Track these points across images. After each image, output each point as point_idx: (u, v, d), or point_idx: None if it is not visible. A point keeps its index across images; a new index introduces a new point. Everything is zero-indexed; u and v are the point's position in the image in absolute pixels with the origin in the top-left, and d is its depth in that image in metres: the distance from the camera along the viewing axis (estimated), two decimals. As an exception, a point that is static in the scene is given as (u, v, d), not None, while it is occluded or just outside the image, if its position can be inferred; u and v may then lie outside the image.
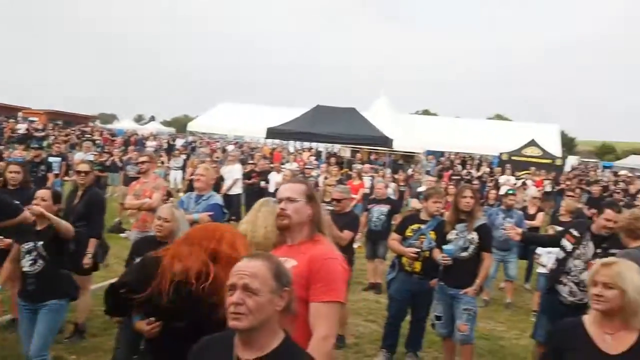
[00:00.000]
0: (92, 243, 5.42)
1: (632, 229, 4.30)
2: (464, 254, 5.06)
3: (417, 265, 5.37)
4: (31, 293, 4.13)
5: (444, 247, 5.01)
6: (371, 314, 7.13)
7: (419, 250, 5.31)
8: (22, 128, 28.08)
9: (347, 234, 5.80)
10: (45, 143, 21.24)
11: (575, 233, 4.88)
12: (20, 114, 39.23)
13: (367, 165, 15.22)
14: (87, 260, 5.37)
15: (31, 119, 36.06)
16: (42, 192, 4.32)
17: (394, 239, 5.61)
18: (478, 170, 22.55)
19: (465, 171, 21.76)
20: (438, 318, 5.25)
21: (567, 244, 4.88)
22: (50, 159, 12.52)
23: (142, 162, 6.87)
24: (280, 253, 2.57)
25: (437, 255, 5.13)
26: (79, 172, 5.73)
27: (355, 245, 6.45)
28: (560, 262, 4.89)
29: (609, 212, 4.62)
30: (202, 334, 2.15)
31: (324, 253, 2.53)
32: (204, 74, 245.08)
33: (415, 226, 5.48)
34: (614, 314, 2.46)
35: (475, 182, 15.05)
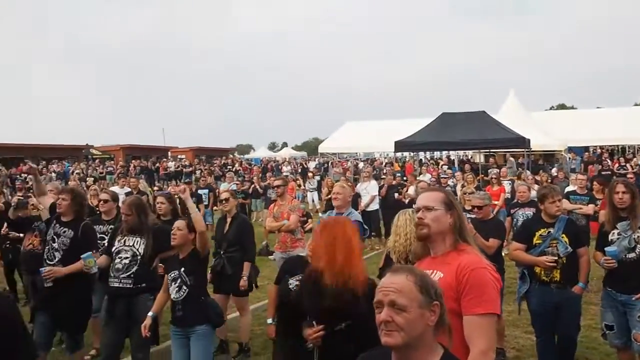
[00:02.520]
0: (247, 266, 5.74)
1: None
2: (632, 255, 4.56)
3: (557, 274, 4.82)
4: (180, 319, 4.33)
5: (607, 249, 4.56)
6: (530, 324, 6.69)
7: (555, 257, 4.81)
8: (172, 166, 30.62)
9: (493, 241, 5.55)
10: (193, 177, 23.10)
11: None
12: (169, 153, 43.08)
13: (504, 169, 14.54)
14: (243, 283, 5.68)
15: (179, 156, 39.24)
16: (178, 223, 4.52)
17: (517, 249, 5.05)
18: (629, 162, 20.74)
19: (617, 165, 20.07)
20: (609, 327, 4.74)
21: None
22: (200, 191, 13.76)
23: (278, 186, 7.31)
24: (424, 265, 2.48)
25: (599, 258, 4.70)
26: (221, 201, 6.13)
27: (503, 253, 6.09)
28: None
29: None
30: (365, 337, 2.13)
31: (471, 262, 2.37)
32: (328, 97, 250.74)
33: (543, 231, 4.93)
34: None
35: (630, 175, 13.74)
